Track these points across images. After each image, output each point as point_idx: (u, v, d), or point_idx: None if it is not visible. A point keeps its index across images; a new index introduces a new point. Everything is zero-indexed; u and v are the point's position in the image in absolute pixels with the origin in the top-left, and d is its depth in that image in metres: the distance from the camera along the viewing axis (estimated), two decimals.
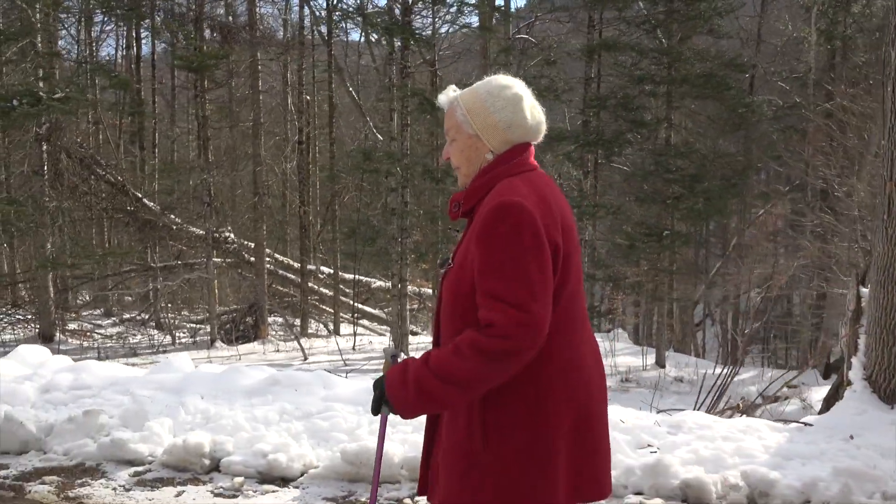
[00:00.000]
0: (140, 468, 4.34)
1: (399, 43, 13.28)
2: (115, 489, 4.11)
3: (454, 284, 2.09)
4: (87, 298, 15.89)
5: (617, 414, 4.59)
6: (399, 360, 2.17)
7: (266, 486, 4.12)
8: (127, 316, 16.18)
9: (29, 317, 14.37)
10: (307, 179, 15.79)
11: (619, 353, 17.28)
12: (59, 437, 4.36)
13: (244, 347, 14.47)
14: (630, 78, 13.65)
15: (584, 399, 2.09)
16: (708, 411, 6.41)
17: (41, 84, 11.17)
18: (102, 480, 4.20)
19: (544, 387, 2.03)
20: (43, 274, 13.32)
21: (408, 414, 2.07)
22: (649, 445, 4.38)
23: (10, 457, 4.53)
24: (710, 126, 16.25)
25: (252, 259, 15.79)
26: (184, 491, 4.09)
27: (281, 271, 16.73)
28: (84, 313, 16.28)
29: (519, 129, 2.13)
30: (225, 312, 16.13)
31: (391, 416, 2.17)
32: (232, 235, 15.53)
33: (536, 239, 1.96)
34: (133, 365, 11.64)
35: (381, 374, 2.18)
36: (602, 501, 2.21)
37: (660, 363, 16.69)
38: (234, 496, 4.07)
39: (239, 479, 4.07)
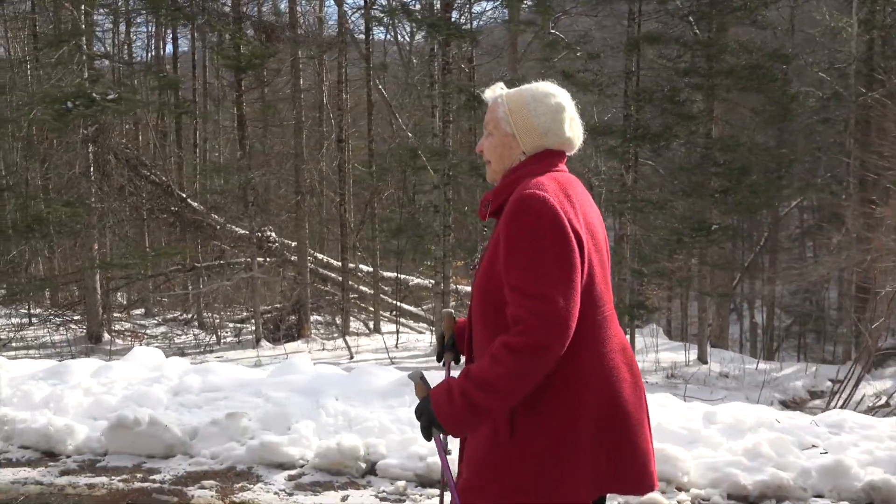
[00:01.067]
0: (293, 472, 4.30)
1: (441, 39, 13.25)
2: (276, 493, 4.09)
3: (483, 280, 2.13)
4: (131, 299, 15.95)
5: (771, 414, 4.52)
6: (426, 380, 2.20)
7: (428, 490, 4.06)
8: (169, 316, 16.26)
9: (77, 317, 14.46)
10: (346, 177, 15.76)
11: (659, 349, 17.18)
12: (205, 441, 4.33)
13: (289, 346, 14.49)
14: (675, 71, 13.51)
15: (611, 393, 2.12)
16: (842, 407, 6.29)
17: (89, 86, 11.18)
18: (261, 485, 4.17)
19: (571, 381, 2.06)
20: (91, 275, 13.40)
21: (458, 431, 2.09)
22: (814, 446, 4.28)
23: (156, 460, 4.51)
24: (751, 119, 16.06)
25: (293, 258, 15.83)
26: (347, 495, 4.05)
27: (321, 269, 16.75)
28: (127, 314, 16.36)
29: (555, 136, 2.18)
30: (267, 311, 16.16)
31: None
32: (273, 234, 15.55)
33: (559, 230, 1.98)
34: None
35: (417, 401, 2.20)
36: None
37: (702, 359, 16.55)
38: (401, 500, 4.03)
39: (401, 483, 4.03)
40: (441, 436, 2.19)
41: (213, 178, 15.00)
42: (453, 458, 2.36)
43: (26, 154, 12.56)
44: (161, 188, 14.01)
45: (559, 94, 2.23)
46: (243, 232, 15.11)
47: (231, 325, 16.13)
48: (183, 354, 14.08)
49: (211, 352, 14.03)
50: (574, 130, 2.23)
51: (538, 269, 1.97)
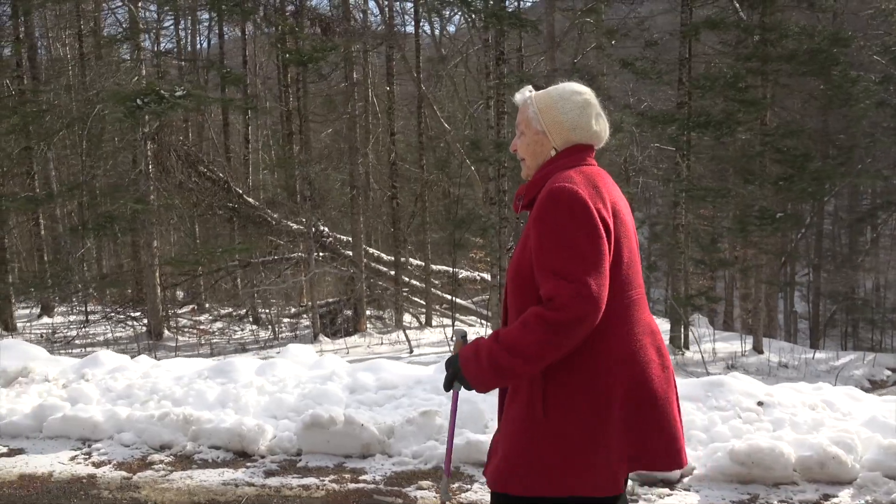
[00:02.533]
0: None
1: (501, 29, 13.11)
2: None
3: (517, 265, 2.27)
4: (187, 296, 16.01)
5: None
6: (468, 340, 2.36)
7: (656, 490, 3.99)
8: (224, 311, 16.30)
9: (137, 314, 14.56)
10: (397, 171, 15.70)
11: (708, 339, 17.00)
12: (404, 440, 4.24)
13: (347, 341, 14.47)
14: (737, 56, 13.26)
15: (639, 373, 2.22)
16: None
17: (157, 83, 11.19)
18: (477, 485, 4.07)
19: (600, 361, 2.18)
20: (151, 272, 13.48)
21: (481, 387, 2.25)
22: None
23: (355, 460, 4.45)
24: (806, 104, 15.76)
25: (347, 252, 15.82)
26: None
27: (372, 264, 16.71)
28: (181, 310, 16.43)
29: (582, 132, 2.32)
30: (322, 306, 16.16)
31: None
32: (325, 229, 15.54)
33: (587, 217, 2.12)
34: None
35: (452, 353, 2.38)
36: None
37: (757, 348, 16.33)
38: (634, 501, 3.96)
39: (629, 482, 3.94)
40: (459, 391, 2.37)
41: (265, 174, 14.96)
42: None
43: (90, 152, 12.61)
44: (218, 184, 14.03)
45: (585, 92, 2.37)
46: (297, 227, 15.11)
47: (286, 320, 16.14)
48: (244, 350, 14.16)
49: (271, 347, 14.04)
50: (600, 125, 2.37)
51: (569, 253, 2.10)
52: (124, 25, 11.92)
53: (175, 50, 15.72)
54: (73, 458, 4.66)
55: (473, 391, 2.31)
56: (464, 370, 2.25)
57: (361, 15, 16.76)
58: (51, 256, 13.89)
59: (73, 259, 13.08)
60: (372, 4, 15.78)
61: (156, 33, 11.75)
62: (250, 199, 14.20)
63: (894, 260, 26.68)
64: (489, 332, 15.39)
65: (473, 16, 12.64)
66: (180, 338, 14.43)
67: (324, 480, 4.22)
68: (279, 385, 4.89)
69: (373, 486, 4.11)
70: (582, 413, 2.17)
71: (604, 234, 2.13)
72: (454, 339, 2.46)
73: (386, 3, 13.88)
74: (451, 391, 2.39)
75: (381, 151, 16.80)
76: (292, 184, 12.46)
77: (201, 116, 16.84)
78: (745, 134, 13.97)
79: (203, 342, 13.94)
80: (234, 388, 4.87)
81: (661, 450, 2.26)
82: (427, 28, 18.00)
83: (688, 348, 15.86)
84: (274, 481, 4.21)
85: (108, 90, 10.87)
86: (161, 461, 4.58)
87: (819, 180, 14.02)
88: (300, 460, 4.46)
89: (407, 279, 16.95)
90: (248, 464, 4.42)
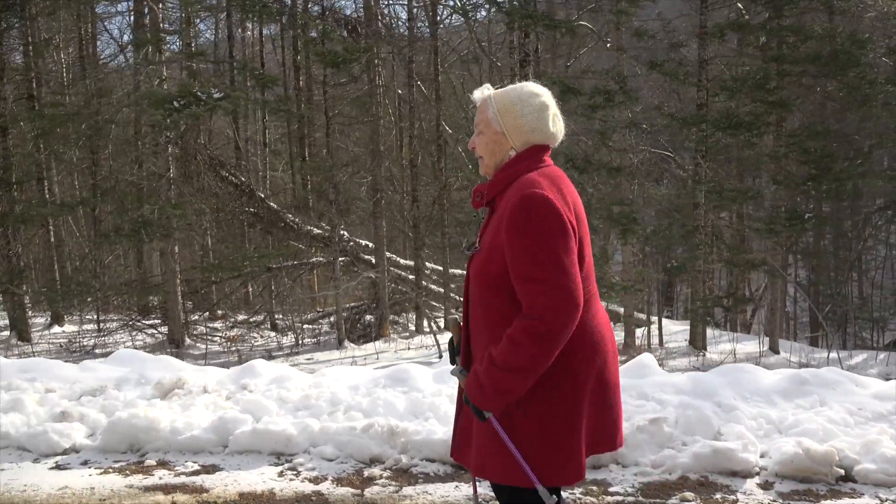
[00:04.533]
0: (757, 479, 4.08)
1: (521, 31, 13.03)
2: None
3: (484, 265, 2.33)
4: (209, 302, 15.66)
5: None
6: (463, 372, 2.43)
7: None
8: (241, 318, 16.00)
9: (155, 321, 14.23)
10: (417, 174, 15.55)
11: (720, 341, 17.04)
12: (637, 449, 4.06)
13: (371, 346, 14.27)
14: (763, 58, 13.31)
15: (601, 365, 2.37)
16: None
17: (194, 85, 10.92)
18: (740, 495, 3.97)
19: (573, 355, 2.28)
20: (172, 279, 13.18)
21: (493, 410, 2.32)
22: None
23: (588, 471, 4.19)
24: (824, 105, 15.89)
25: (367, 257, 15.62)
26: None
27: (392, 268, 16.52)
28: (194, 317, 16.11)
29: (540, 133, 2.41)
30: (343, 311, 15.92)
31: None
32: (346, 234, 15.33)
33: (560, 224, 2.21)
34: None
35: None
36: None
37: (774, 349, 16.41)
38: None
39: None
40: (492, 417, 2.39)
41: (281, 177, 14.71)
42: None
43: (119, 155, 12.31)
44: (240, 189, 13.77)
45: (543, 94, 2.44)
46: (318, 231, 14.89)
47: (305, 326, 15.88)
48: (271, 357, 13.89)
49: (297, 354, 13.80)
50: (557, 126, 2.45)
51: (546, 260, 2.19)
52: (145, 30, 11.60)
53: (191, 51, 15.38)
54: (280, 474, 4.43)
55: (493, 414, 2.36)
56: (473, 402, 2.32)
57: (386, 18, 16.66)
58: (74, 264, 13.51)
59: (99, 266, 12.72)
60: (398, 9, 15.71)
61: (186, 35, 11.45)
62: (272, 204, 13.95)
63: (891, 258, 27.05)
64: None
65: (506, 17, 12.47)
66: (200, 345, 14.14)
67: (574, 493, 4.05)
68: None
69: (632, 498, 3.96)
70: (555, 403, 2.29)
71: (574, 237, 2.25)
72: (458, 378, 2.50)
73: (421, 4, 13.73)
74: (486, 421, 2.39)
75: (397, 155, 16.60)
76: (321, 188, 12.22)
77: (209, 121, 16.56)
78: (770, 135, 14.01)
79: (232, 349, 13.67)
80: (423, 397, 4.66)
81: (607, 433, 2.42)
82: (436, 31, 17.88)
83: (706, 349, 15.91)
84: None
85: (143, 93, 10.59)
86: (380, 476, 4.36)
87: (841, 181, 14.12)
88: None
89: (424, 283, 16.80)
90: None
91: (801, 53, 13.65)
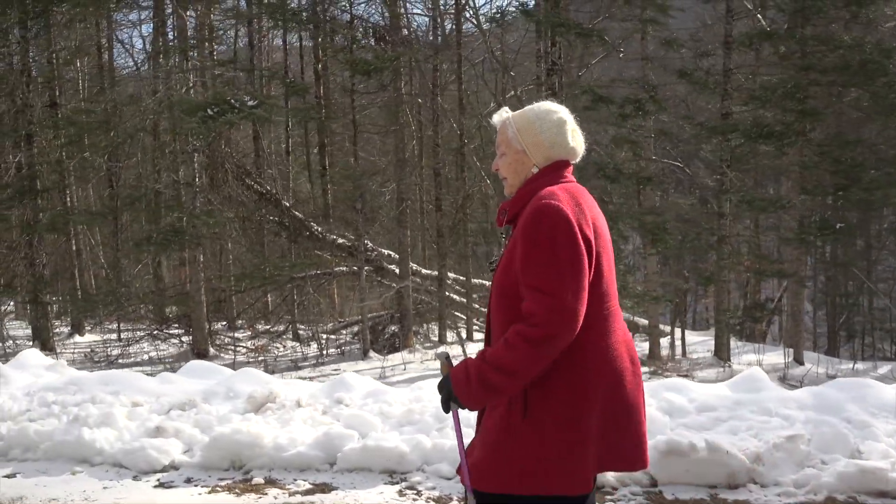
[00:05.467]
0: None
1: (549, 40, 12.96)
2: None
3: (501, 279, 2.37)
4: (225, 312, 15.53)
5: None
6: (452, 360, 2.48)
7: None
8: (263, 328, 15.85)
9: (180, 331, 14.10)
10: (441, 183, 15.45)
11: (742, 351, 16.90)
12: (775, 468, 3.90)
13: (397, 357, 14.12)
14: (795, 67, 13.25)
15: (615, 383, 2.34)
16: None
17: (227, 93, 10.83)
18: None
19: (578, 368, 2.28)
20: (196, 288, 13.06)
21: (473, 406, 2.37)
22: None
23: (724, 490, 4.08)
24: (850, 115, 15.83)
25: (391, 266, 15.50)
26: None
27: (415, 278, 16.40)
28: (216, 325, 15.97)
29: (560, 148, 2.45)
30: (358, 321, 15.77)
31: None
32: (369, 243, 15.22)
33: (571, 236, 2.22)
34: (309, 378, 11.33)
35: (443, 376, 2.47)
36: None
37: (798, 360, 16.27)
38: None
39: None
40: (458, 410, 2.45)
41: (302, 185, 14.60)
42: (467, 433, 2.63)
43: (147, 163, 12.23)
44: (265, 197, 13.67)
45: (559, 111, 2.49)
46: (342, 241, 14.77)
47: (327, 337, 15.73)
48: (297, 368, 13.75)
49: (323, 364, 13.65)
50: (576, 140, 2.49)
51: (552, 271, 2.20)
52: (171, 39, 11.53)
53: (213, 60, 15.33)
54: (401, 493, 4.27)
55: (467, 409, 2.40)
56: (455, 390, 2.34)
57: (411, 25, 16.57)
58: (99, 273, 13.38)
59: (128, 275, 12.60)
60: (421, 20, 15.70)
61: (209, 44, 11.39)
62: (298, 213, 13.84)
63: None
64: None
65: (535, 24, 12.41)
66: (224, 355, 14.00)
67: None
68: None
69: None
70: (560, 417, 2.28)
71: (585, 252, 2.24)
72: (440, 361, 2.55)
73: (448, 14, 13.66)
74: (451, 412, 2.46)
75: (417, 164, 16.50)
76: (352, 196, 12.12)
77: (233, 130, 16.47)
78: (797, 145, 13.93)
79: (259, 359, 13.53)
80: None
81: (629, 453, 2.40)
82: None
83: (729, 360, 15.77)
84: None
85: (177, 100, 10.50)
86: None
87: (869, 190, 14.04)
88: (659, 491, 4.06)
89: (447, 293, 16.68)
90: (608, 497, 4.04)
91: (830, 63, 13.60)
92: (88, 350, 13.92)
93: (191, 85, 12.35)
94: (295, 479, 4.47)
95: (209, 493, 4.37)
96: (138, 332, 13.32)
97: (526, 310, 2.22)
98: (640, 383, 2.48)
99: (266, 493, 4.33)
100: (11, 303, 14.48)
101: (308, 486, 4.40)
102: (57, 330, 15.83)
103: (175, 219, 10.76)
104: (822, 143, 13.68)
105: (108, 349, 13.66)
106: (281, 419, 4.80)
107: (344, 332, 16.34)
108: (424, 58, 13.01)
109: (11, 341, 12.56)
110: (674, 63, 15.95)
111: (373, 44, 12.74)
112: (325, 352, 14.41)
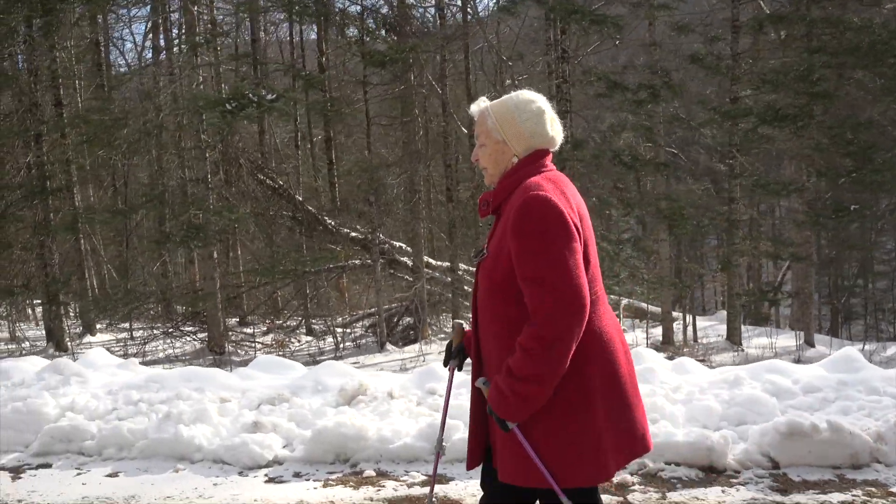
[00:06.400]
0: None
1: (559, 28, 12.93)
2: None
3: (490, 271, 2.36)
4: (248, 308, 15.44)
5: None
6: (487, 384, 2.44)
7: None
8: (279, 323, 15.78)
9: (194, 328, 14.01)
10: (452, 174, 15.40)
11: (751, 335, 16.96)
12: None
13: (413, 349, 14.10)
14: (806, 50, 13.27)
15: (612, 365, 2.36)
16: None
17: (247, 87, 10.73)
18: None
19: (578, 357, 2.27)
20: (212, 285, 12.97)
21: (522, 418, 2.33)
22: None
23: (849, 471, 4.07)
24: (858, 96, 15.87)
25: (403, 259, 15.46)
26: None
27: (427, 269, 16.37)
28: (230, 321, 15.88)
29: (540, 137, 2.44)
30: (372, 314, 15.73)
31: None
32: (381, 235, 15.16)
33: (563, 226, 2.22)
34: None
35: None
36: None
37: (809, 342, 16.37)
38: None
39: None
40: (516, 425, 2.40)
41: (308, 178, 14.49)
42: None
43: (164, 160, 12.12)
44: (278, 192, 13.58)
45: (538, 99, 2.48)
46: (354, 234, 14.71)
47: (340, 330, 15.68)
48: (316, 363, 13.69)
49: (340, 358, 13.60)
50: (555, 129, 2.48)
51: (549, 262, 2.19)
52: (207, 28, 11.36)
53: (252, 55, 15.14)
54: None
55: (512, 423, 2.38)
56: (499, 412, 2.33)
57: (422, 16, 16.46)
58: (109, 271, 13.26)
59: (149, 273, 12.50)
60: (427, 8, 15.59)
61: (211, 38, 11.28)
62: (310, 207, 13.77)
63: None
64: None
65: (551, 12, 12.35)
66: (240, 352, 13.93)
67: (857, 495, 3.88)
68: (684, 392, 4.52)
69: None
70: (568, 406, 2.29)
71: (578, 238, 2.26)
72: (483, 389, 2.52)
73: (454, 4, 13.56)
74: (510, 430, 2.41)
75: (427, 155, 16.44)
76: (368, 188, 12.06)
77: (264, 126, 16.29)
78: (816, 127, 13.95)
79: (278, 354, 13.45)
80: (654, 398, 4.49)
81: (636, 438, 2.41)
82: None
83: (740, 344, 15.85)
84: (802, 498, 3.84)
85: (194, 95, 10.39)
86: (633, 482, 4.20)
87: (881, 171, 14.10)
88: (784, 473, 4.07)
89: (462, 285, 16.64)
90: (731, 480, 4.05)
91: (840, 45, 13.62)
92: (104, 351, 13.80)
93: (200, 80, 12.24)
94: (406, 471, 4.46)
95: (323, 486, 4.36)
96: (154, 331, 13.20)
97: (531, 306, 2.22)
98: (631, 363, 2.50)
99: (383, 486, 4.33)
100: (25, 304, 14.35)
101: (422, 477, 4.40)
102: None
103: (192, 215, 10.67)
104: (833, 126, 13.72)
105: (126, 348, 13.57)
106: (377, 411, 4.77)
107: (356, 325, 16.30)
108: (435, 48, 12.91)
109: (28, 343, 12.43)
110: (681, 48, 15.96)
111: (383, 35, 12.64)
112: (342, 345, 14.38)
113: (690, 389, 4.56)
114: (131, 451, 4.81)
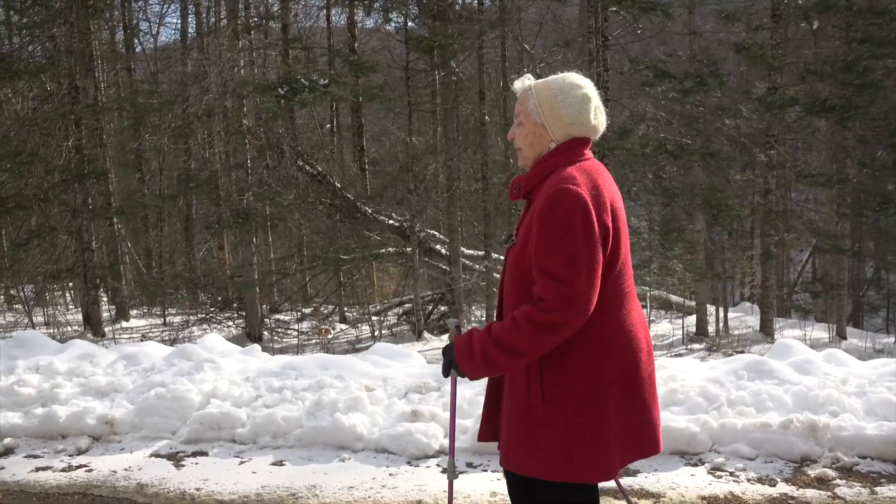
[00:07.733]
0: None
1: (601, 15, 12.80)
2: None
3: (518, 259, 2.32)
4: (282, 296, 15.40)
5: None
6: (461, 329, 2.48)
7: None
8: (308, 310, 15.74)
9: (233, 316, 13.97)
10: (488, 162, 15.32)
11: (783, 327, 16.87)
12: None
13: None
14: (852, 39, 13.15)
15: (632, 362, 2.32)
16: None
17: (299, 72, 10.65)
18: None
19: (597, 351, 2.25)
20: (250, 272, 12.92)
21: (473, 376, 2.37)
22: None
23: None
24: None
25: (437, 247, 15.40)
26: None
27: (462, 259, 16.30)
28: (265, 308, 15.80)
29: (581, 125, 2.35)
30: (407, 302, 15.69)
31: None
32: (418, 224, 15.10)
33: (587, 223, 2.17)
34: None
35: (448, 342, 2.50)
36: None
37: (841, 335, 16.31)
38: None
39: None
40: (457, 378, 2.50)
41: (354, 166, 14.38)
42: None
43: (208, 145, 12.05)
44: (316, 179, 13.51)
45: (585, 85, 2.38)
46: (391, 222, 14.65)
47: (373, 318, 15.64)
48: (355, 350, 13.64)
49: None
50: (598, 119, 2.39)
51: (564, 256, 2.16)
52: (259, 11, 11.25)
53: (304, 39, 14.94)
54: (716, 476, 4.19)
55: (467, 378, 2.42)
56: (458, 359, 2.34)
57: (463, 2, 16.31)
58: (159, 256, 13.22)
59: (195, 258, 12.46)
60: None
61: (278, 21, 11.19)
62: (349, 195, 13.70)
63: None
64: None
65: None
66: (278, 339, 13.89)
67: None
68: (853, 384, 4.44)
69: None
70: (579, 399, 2.25)
71: (599, 239, 2.19)
72: (449, 328, 2.62)
73: None
74: (449, 377, 2.50)
75: (465, 143, 16.36)
76: (412, 175, 12.00)
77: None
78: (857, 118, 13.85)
79: (316, 342, 13.43)
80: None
81: (648, 438, 2.37)
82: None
83: (773, 336, 15.78)
84: None
85: (245, 79, 10.32)
86: (832, 476, 4.12)
87: None
88: None
89: (493, 273, 16.57)
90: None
91: (884, 35, 13.50)
92: (140, 337, 13.78)
93: (242, 65, 12.15)
94: None
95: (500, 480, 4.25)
96: (191, 317, 13.17)
97: (537, 293, 2.19)
98: (653, 362, 2.45)
99: None
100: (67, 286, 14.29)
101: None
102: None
103: (245, 200, 10.60)
104: (876, 118, 13.62)
105: (163, 334, 13.53)
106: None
107: (389, 313, 16.26)
108: (478, 34, 12.80)
109: (69, 327, 12.41)
110: (718, 37, 15.80)
111: (429, 22, 12.53)
112: (378, 333, 14.34)
113: (859, 382, 4.50)
114: (287, 438, 4.73)
